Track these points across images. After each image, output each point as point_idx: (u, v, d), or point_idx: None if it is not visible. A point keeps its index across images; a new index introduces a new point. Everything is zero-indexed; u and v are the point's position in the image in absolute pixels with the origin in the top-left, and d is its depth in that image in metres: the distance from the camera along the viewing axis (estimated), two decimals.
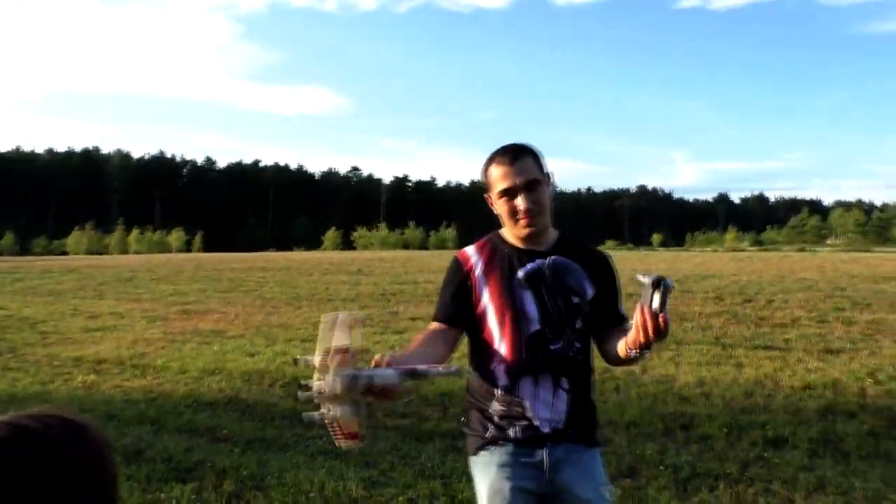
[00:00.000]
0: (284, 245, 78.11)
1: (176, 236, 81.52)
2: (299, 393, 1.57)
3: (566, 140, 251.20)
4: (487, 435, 2.06)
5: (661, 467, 4.54)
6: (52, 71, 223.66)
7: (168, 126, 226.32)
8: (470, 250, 2.17)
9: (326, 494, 4.10)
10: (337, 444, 1.64)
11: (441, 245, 69.53)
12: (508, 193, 2.06)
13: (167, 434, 5.52)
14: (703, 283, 17.14)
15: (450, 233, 78.31)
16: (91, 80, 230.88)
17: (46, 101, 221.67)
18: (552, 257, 2.11)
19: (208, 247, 75.99)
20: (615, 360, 2.05)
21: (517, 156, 2.06)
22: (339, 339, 1.62)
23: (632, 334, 1.82)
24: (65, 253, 70.16)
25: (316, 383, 1.55)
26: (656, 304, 1.77)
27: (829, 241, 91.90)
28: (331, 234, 77.71)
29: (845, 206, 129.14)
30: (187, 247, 77.36)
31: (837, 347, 8.53)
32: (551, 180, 2.14)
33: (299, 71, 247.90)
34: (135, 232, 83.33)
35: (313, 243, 77.74)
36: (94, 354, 9.16)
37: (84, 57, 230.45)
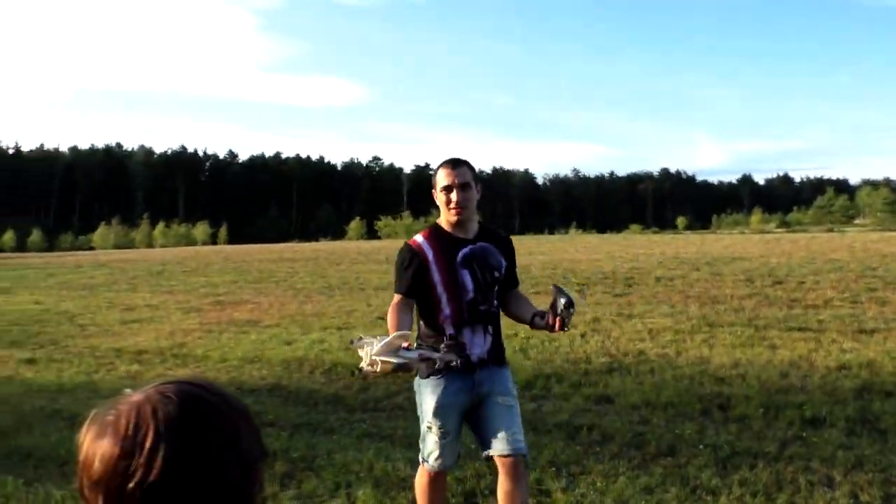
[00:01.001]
0: (309, 236, 78.65)
1: (201, 229, 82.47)
2: (353, 344, 2.41)
3: (584, 123, 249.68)
4: (437, 366, 2.78)
5: (701, 446, 4.61)
6: (78, 69, 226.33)
7: (189, 120, 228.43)
8: (419, 238, 2.99)
9: (376, 474, 4.24)
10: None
11: None
12: (447, 189, 2.91)
13: None
14: (732, 265, 17.08)
15: None
16: (112, 76, 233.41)
17: (74, 99, 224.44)
18: (479, 243, 2.97)
19: (232, 239, 76.73)
20: (514, 318, 3.10)
21: (457, 165, 2.95)
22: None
23: (541, 323, 2.85)
24: (91, 248, 71.22)
25: (366, 365, 2.32)
26: (566, 316, 2.76)
27: (857, 221, 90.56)
28: (355, 224, 77.92)
29: (872, 184, 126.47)
30: (213, 239, 78.16)
31: (871, 327, 8.48)
32: (479, 187, 2.98)
33: (317, 62, 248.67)
34: (160, 226, 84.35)
35: (338, 233, 78.15)
36: (134, 345, 9.37)
37: (105, 53, 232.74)
